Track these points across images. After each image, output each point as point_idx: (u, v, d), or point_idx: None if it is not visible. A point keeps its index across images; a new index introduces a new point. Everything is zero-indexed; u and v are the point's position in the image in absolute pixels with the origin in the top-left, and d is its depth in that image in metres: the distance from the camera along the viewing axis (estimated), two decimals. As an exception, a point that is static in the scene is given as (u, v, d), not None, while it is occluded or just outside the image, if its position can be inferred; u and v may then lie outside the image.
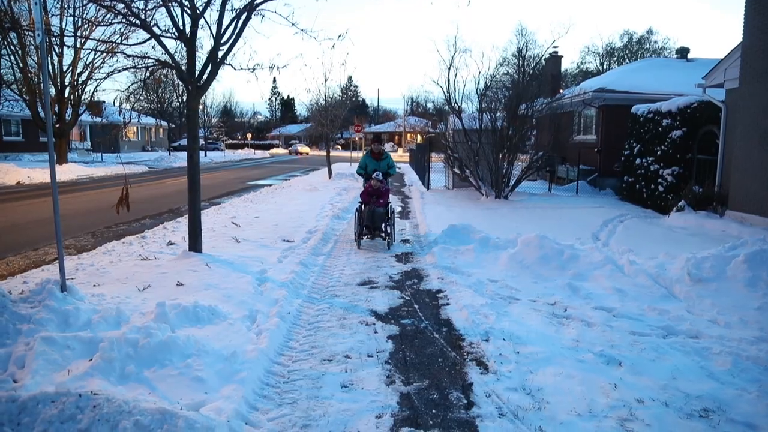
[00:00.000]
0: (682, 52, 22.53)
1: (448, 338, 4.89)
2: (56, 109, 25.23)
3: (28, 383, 3.66)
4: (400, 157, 49.49)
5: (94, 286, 6.01)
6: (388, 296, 6.13)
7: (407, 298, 6.14)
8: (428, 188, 18.69)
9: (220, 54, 7.39)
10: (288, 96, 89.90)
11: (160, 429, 3.05)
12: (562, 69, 31.22)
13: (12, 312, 4.61)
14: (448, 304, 5.85)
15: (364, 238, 8.94)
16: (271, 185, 20.80)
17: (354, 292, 6.16)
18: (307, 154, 59.64)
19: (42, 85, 5.20)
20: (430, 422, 3.44)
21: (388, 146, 66.73)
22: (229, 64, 7.66)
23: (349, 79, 77.28)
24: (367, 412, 3.53)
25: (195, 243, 7.41)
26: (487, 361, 4.32)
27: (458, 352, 4.55)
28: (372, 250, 8.68)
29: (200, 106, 51.85)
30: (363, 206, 8.88)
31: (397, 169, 8.38)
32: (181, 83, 7.61)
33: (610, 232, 10.21)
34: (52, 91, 24.81)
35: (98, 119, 33.80)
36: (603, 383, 3.91)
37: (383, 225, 8.73)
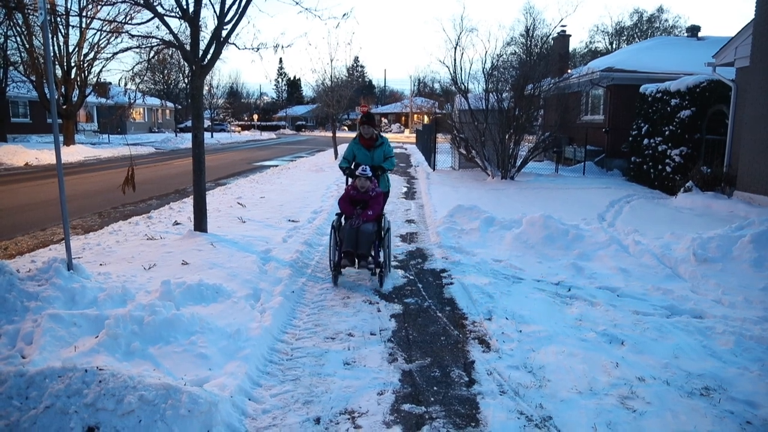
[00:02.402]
0: (693, 31, 22.12)
1: (451, 317, 4.91)
2: (63, 90, 25.20)
3: (36, 359, 3.73)
4: (407, 138, 49.26)
5: (101, 265, 6.07)
6: (392, 275, 6.14)
7: (411, 277, 6.16)
8: (434, 169, 18.62)
9: (224, 33, 7.33)
10: (294, 77, 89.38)
11: (164, 404, 3.10)
12: (571, 49, 30.83)
13: (20, 290, 4.67)
14: (451, 283, 5.86)
15: (344, 269, 5.86)
16: (277, 166, 20.80)
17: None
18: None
19: (46, 65, 5.17)
20: (431, 399, 3.48)
21: (394, 127, 66.27)
22: (233, 44, 7.61)
23: (356, 59, 76.61)
24: (369, 389, 3.57)
25: (200, 223, 7.44)
26: (490, 340, 4.35)
27: (461, 331, 4.58)
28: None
29: (206, 87, 51.49)
30: (342, 220, 5.92)
31: (395, 160, 6.40)
32: (186, 64, 7.56)
33: (616, 213, 10.15)
34: (59, 72, 24.75)
35: (105, 100, 33.80)
36: (605, 362, 3.92)
37: (372, 250, 5.71)
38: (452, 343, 4.35)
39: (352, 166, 6.25)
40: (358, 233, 5.60)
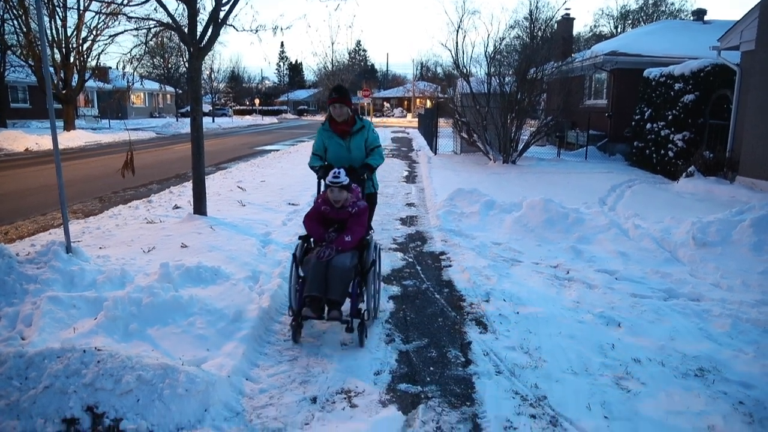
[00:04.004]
0: (699, 14, 21.85)
1: (449, 299, 4.93)
2: (62, 74, 25.06)
3: (35, 340, 3.76)
4: (409, 122, 49.00)
5: (100, 248, 6.09)
6: (391, 258, 6.16)
7: (410, 260, 6.17)
8: (436, 153, 18.57)
9: (222, 14, 7.27)
10: (296, 61, 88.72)
11: (162, 383, 3.13)
12: (575, 32, 30.51)
13: (19, 272, 4.70)
14: (450, 265, 5.87)
15: (308, 319, 4.03)
16: (278, 150, 20.76)
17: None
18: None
19: (41, 47, 5.14)
20: (428, 379, 3.50)
21: (397, 112, 65.96)
22: (231, 26, 7.56)
23: (358, 43, 76.14)
24: (365, 369, 3.60)
25: (200, 206, 7.45)
26: (487, 321, 4.36)
27: (458, 312, 4.59)
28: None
29: (207, 71, 50.98)
30: (305, 247, 4.25)
31: (384, 151, 4.94)
32: (185, 47, 7.51)
33: (617, 197, 10.12)
34: (57, 56, 24.59)
35: (104, 85, 33.62)
36: (601, 343, 3.94)
37: (346, 292, 3.94)
38: (449, 324, 4.37)
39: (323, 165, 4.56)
40: (329, 270, 3.88)
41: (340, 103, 4.50)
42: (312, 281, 3.88)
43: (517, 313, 4.49)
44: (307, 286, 3.90)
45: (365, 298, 4.04)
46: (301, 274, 4.03)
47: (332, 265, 3.92)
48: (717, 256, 6.02)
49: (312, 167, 4.62)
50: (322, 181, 4.34)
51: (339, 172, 4.06)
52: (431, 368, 3.65)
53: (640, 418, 3.04)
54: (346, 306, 3.95)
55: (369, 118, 25.45)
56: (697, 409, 3.13)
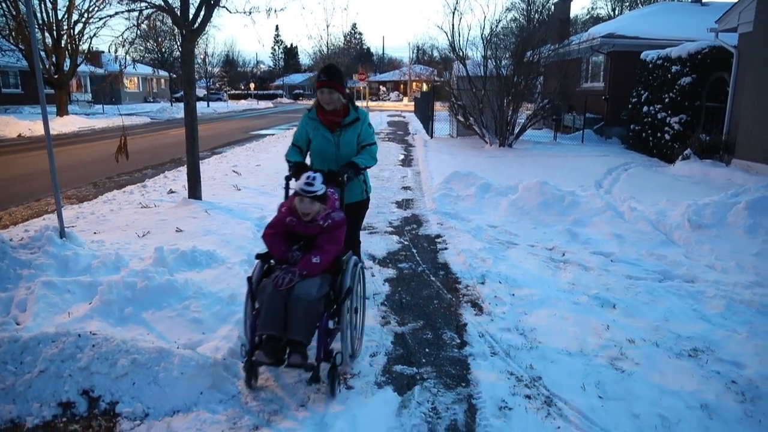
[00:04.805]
0: (697, -5, 21.67)
1: (445, 281, 4.93)
2: (53, 59, 24.74)
3: (30, 325, 3.74)
4: (405, 106, 48.75)
5: (94, 233, 6.06)
6: (387, 241, 6.16)
7: (406, 243, 6.17)
8: (432, 136, 18.50)
9: (214, -4, 7.16)
10: (291, 44, 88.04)
11: (157, 366, 3.13)
12: (572, 14, 30.29)
13: (12, 258, 4.66)
14: (446, 248, 5.87)
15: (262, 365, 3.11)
16: (273, 135, 20.63)
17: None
18: None
19: (30, 29, 5.05)
20: (423, 361, 3.51)
21: (393, 95, 65.58)
22: (224, 7, 7.47)
23: (353, 26, 75.45)
24: (361, 351, 3.59)
25: (195, 190, 7.41)
26: (482, 303, 4.37)
27: (454, 295, 4.60)
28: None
29: (201, 56, 50.38)
30: (266, 268, 3.34)
31: (377, 150, 3.91)
32: (177, 30, 7.41)
33: (613, 180, 10.12)
34: (48, 40, 24.25)
35: (97, 70, 33.22)
36: (596, 324, 3.95)
37: (312, 329, 3.05)
38: (445, 306, 4.38)
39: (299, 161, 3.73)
40: (290, 301, 2.99)
41: (329, 87, 3.61)
42: (268, 316, 2.98)
43: (513, 295, 4.50)
44: (261, 322, 3.00)
45: (341, 336, 3.14)
46: (257, 304, 3.12)
47: (294, 296, 2.98)
48: (712, 238, 6.03)
49: (288, 160, 3.73)
50: (292, 183, 3.43)
51: (314, 178, 3.11)
52: (427, 350, 3.66)
53: (634, 397, 3.07)
54: (315, 345, 3.00)
55: (364, 106, 25.17)
56: (691, 388, 3.15)
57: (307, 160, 3.93)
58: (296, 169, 3.55)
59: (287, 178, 3.63)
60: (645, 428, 2.79)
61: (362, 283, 3.64)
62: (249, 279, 3.21)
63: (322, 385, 3.11)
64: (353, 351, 3.36)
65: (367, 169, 3.88)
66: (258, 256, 3.36)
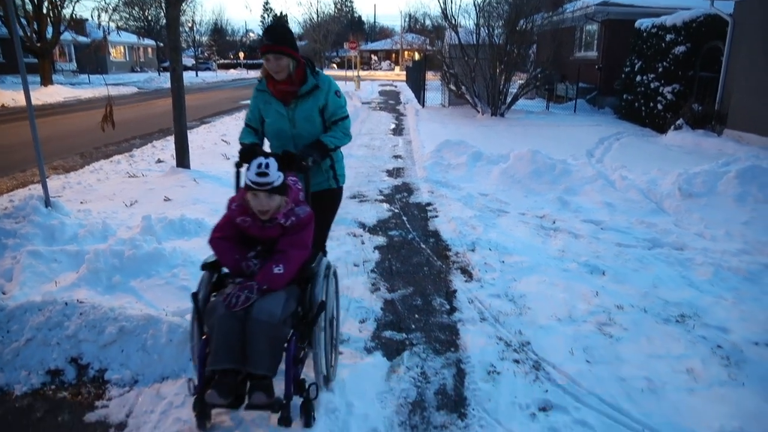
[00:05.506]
0: (693, -38, 21.33)
1: (435, 248, 4.93)
2: (35, 26, 24.07)
3: (16, 294, 3.71)
4: (397, 75, 48.13)
5: (81, 203, 5.98)
6: (377, 209, 6.14)
7: (396, 210, 6.15)
8: (423, 106, 18.33)
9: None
10: (281, 12, 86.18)
11: (146, 334, 3.12)
12: (566, -19, 29.72)
13: (-4, 227, 4.60)
14: (436, 216, 5.86)
15: (216, 406, 2.38)
16: (263, 105, 20.31)
17: (343, 205, 6.09)
18: None
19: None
20: (412, 326, 3.52)
21: (385, 65, 64.74)
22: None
23: (344, -7, 73.83)
24: (350, 318, 3.60)
25: (183, 159, 7.32)
26: (472, 270, 4.38)
27: (444, 262, 4.60)
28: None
29: (188, 24, 49.28)
30: (215, 281, 2.66)
31: (350, 125, 3.15)
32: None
33: (605, 150, 10.10)
34: (29, 6, 23.55)
35: (81, 38, 32.42)
36: (585, 291, 3.97)
37: (278, 358, 2.37)
38: (435, 273, 4.38)
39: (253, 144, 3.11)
40: (248, 325, 2.33)
41: (275, 52, 2.86)
42: (220, 346, 2.30)
43: (503, 262, 4.50)
44: (211, 354, 2.31)
45: (314, 360, 2.54)
46: (206, 329, 2.42)
47: (253, 318, 2.32)
48: (702, 206, 6.05)
49: (241, 144, 3.10)
50: (242, 172, 2.63)
51: (267, 165, 2.42)
52: (416, 316, 3.67)
53: (621, 361, 3.10)
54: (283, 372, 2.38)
55: (355, 75, 24.69)
56: (677, 353, 3.18)
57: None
58: (245, 153, 2.71)
59: (237, 165, 2.88)
60: (631, 391, 2.82)
61: (336, 290, 3.05)
62: (194, 295, 2.52)
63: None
64: (329, 374, 2.72)
65: (339, 149, 3.15)
66: (204, 266, 2.64)
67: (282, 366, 2.37)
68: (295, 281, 2.58)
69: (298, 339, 2.44)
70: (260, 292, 2.40)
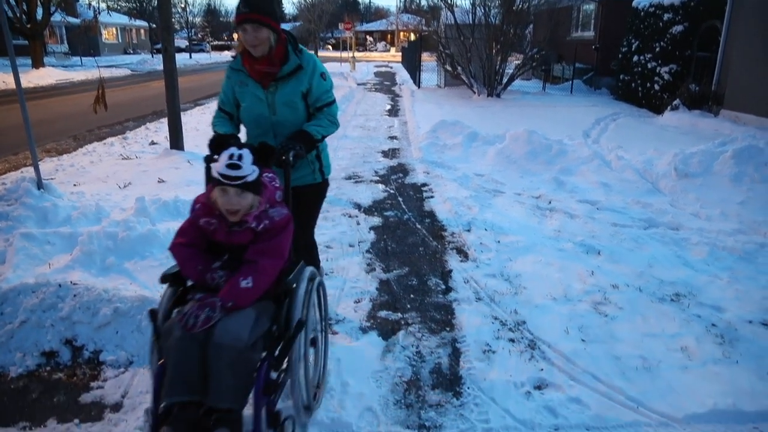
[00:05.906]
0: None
1: (430, 229, 4.92)
2: (24, 6, 23.65)
3: (10, 276, 3.67)
4: (393, 56, 47.66)
5: (74, 185, 5.93)
6: (373, 190, 6.12)
7: (391, 191, 6.13)
8: (419, 86, 18.21)
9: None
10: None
11: (140, 315, 3.11)
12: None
13: (-12, 209, 4.56)
14: (432, 196, 5.85)
15: None
16: (257, 87, 20.14)
17: (339, 186, 6.11)
18: None
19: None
20: (408, 306, 3.52)
21: (380, 46, 64.10)
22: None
23: (339, -28, 72.78)
24: (346, 298, 3.60)
25: (176, 141, 7.26)
26: (468, 250, 4.37)
27: (439, 242, 4.59)
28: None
29: (181, 4, 48.55)
30: (176, 296, 2.20)
31: (337, 108, 2.80)
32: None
33: (601, 130, 10.07)
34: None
35: (72, 19, 31.92)
36: (580, 270, 3.97)
37: (247, 389, 1.94)
38: (430, 253, 4.38)
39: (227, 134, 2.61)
40: (209, 349, 1.93)
41: (253, 22, 2.46)
42: (177, 375, 1.92)
43: (498, 242, 4.50)
44: (167, 385, 1.91)
45: (291, 388, 2.17)
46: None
47: (214, 342, 1.93)
48: (698, 186, 6.05)
49: (216, 130, 2.71)
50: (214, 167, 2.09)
51: (239, 155, 2.05)
52: (412, 296, 3.67)
53: (616, 340, 3.11)
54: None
55: (350, 56, 24.33)
56: (672, 331, 3.20)
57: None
58: (216, 143, 2.26)
59: (207, 160, 2.40)
60: (626, 370, 2.83)
61: (323, 302, 2.67)
62: (152, 312, 2.14)
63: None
64: (310, 403, 2.32)
65: (324, 139, 2.74)
66: (164, 278, 2.23)
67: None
68: (270, 296, 2.17)
69: (272, 365, 2.05)
70: (224, 311, 1.99)
